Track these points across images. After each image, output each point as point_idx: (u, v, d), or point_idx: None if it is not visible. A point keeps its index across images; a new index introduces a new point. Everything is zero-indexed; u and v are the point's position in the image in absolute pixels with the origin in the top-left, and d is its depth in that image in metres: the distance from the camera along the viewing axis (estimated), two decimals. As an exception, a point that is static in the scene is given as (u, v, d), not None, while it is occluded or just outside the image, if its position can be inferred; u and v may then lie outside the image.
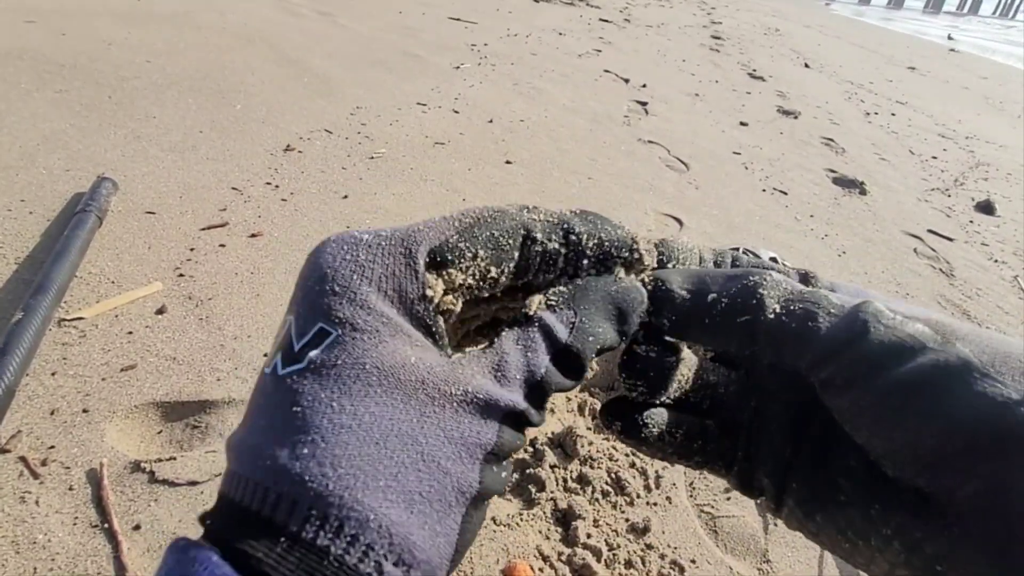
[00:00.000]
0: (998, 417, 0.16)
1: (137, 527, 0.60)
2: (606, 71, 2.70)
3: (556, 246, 0.20)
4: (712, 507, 0.77)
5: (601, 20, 3.90)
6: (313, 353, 0.17)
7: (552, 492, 0.73)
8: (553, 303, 0.19)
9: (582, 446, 0.78)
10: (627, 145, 1.91)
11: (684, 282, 0.21)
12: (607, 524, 0.72)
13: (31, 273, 0.87)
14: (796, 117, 2.68)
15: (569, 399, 0.87)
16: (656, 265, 0.22)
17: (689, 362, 0.23)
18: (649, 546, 0.70)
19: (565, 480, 0.75)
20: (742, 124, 2.41)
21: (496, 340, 0.19)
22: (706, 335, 0.21)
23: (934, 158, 2.56)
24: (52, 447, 0.66)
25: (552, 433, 0.81)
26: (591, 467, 0.77)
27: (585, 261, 0.20)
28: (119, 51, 1.72)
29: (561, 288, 0.20)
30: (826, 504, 0.20)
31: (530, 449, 0.78)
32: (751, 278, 0.21)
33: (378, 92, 1.85)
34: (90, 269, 0.91)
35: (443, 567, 0.16)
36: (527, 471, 0.75)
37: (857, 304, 0.19)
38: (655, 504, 0.76)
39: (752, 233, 1.54)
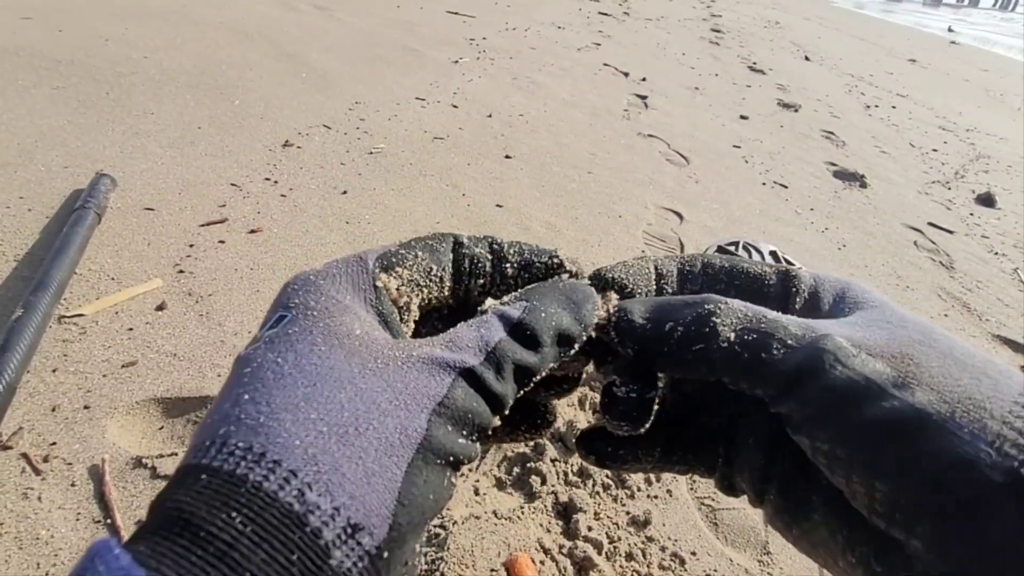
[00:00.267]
0: (957, 476, 0.16)
1: (140, 522, 0.60)
2: (605, 65, 2.69)
3: (482, 251, 0.23)
4: (712, 500, 0.77)
5: (600, 13, 3.88)
6: (270, 332, 0.18)
7: (553, 486, 0.73)
8: (506, 301, 0.21)
9: (583, 440, 0.78)
10: (627, 139, 1.90)
11: (645, 311, 0.22)
12: (608, 517, 0.72)
13: (31, 270, 0.86)
14: (796, 110, 2.67)
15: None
16: (594, 283, 0.24)
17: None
18: (650, 539, 0.71)
19: (566, 474, 0.75)
20: (742, 117, 2.41)
21: (450, 329, 0.20)
22: (668, 364, 0.21)
23: (934, 151, 2.55)
24: (54, 443, 0.66)
25: (553, 428, 0.81)
26: (592, 461, 0.77)
27: (508, 267, 0.23)
28: (116, 47, 1.71)
29: (515, 292, 0.22)
30: (799, 519, 0.20)
31: (531, 444, 0.78)
32: (705, 306, 0.21)
33: (376, 87, 1.85)
34: (90, 266, 0.91)
35: (380, 515, 0.14)
36: (528, 465, 0.75)
37: (817, 337, 0.19)
38: (655, 497, 0.76)
39: (752, 227, 1.54)
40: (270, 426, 0.14)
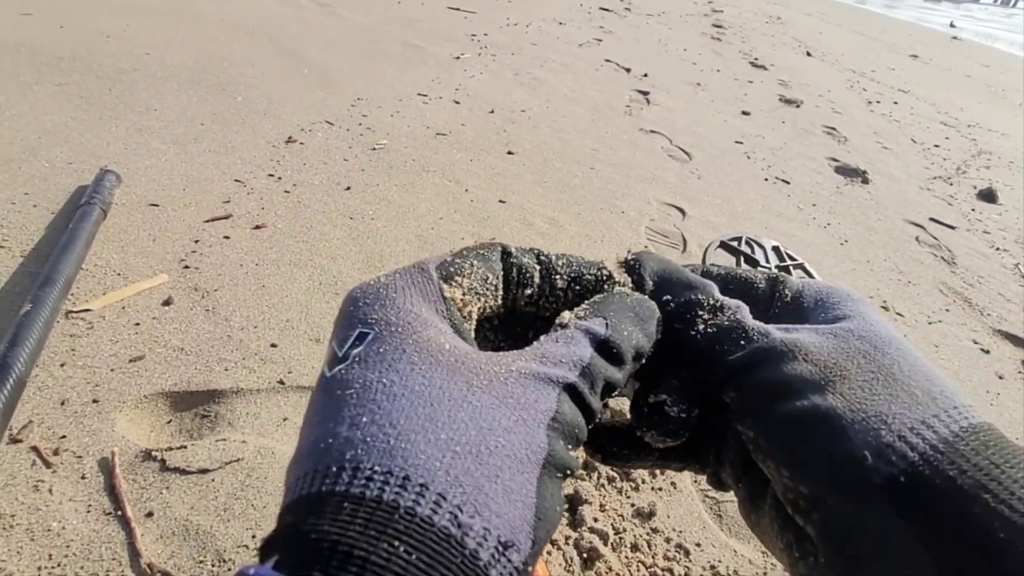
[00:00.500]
0: (845, 474, 0.17)
1: (150, 514, 0.61)
2: (607, 60, 2.69)
3: (529, 261, 0.23)
4: (716, 492, 0.78)
5: (601, 9, 3.87)
6: (356, 351, 0.17)
7: (558, 478, 0.74)
8: (583, 314, 0.21)
9: (587, 433, 0.79)
10: (629, 135, 1.90)
11: (656, 269, 0.25)
12: (613, 509, 0.72)
13: (37, 266, 0.87)
14: (798, 106, 2.66)
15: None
16: (630, 281, 0.25)
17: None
18: (655, 530, 0.71)
19: (571, 467, 0.76)
20: (744, 113, 2.40)
21: (535, 343, 0.19)
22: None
23: (936, 146, 2.55)
24: (63, 437, 0.66)
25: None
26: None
27: (558, 278, 0.23)
28: (117, 43, 1.71)
29: (584, 305, 0.22)
30: (756, 510, 0.22)
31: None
32: (696, 294, 0.23)
33: (378, 83, 1.85)
34: (96, 261, 0.91)
35: (523, 531, 0.14)
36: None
37: (769, 337, 0.21)
38: (660, 489, 0.77)
39: (754, 222, 1.54)
40: (405, 448, 0.14)
